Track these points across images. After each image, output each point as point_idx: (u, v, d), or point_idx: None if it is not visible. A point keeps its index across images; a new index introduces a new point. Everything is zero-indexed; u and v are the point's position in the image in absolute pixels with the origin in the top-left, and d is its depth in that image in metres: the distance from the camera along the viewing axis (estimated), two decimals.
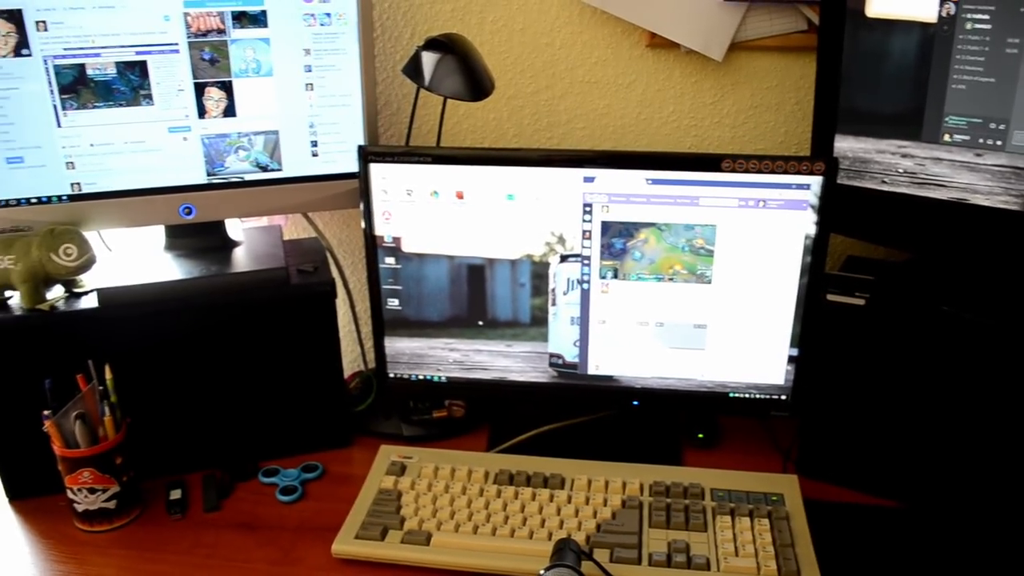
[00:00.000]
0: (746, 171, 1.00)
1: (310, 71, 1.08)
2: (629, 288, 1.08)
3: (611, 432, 1.20)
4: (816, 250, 1.02)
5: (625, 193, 1.04)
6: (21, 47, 1.00)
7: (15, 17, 0.99)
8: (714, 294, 1.06)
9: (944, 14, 0.94)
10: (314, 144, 1.12)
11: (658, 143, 1.26)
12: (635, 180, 1.03)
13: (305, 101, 1.10)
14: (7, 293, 1.08)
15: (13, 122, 1.03)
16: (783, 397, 1.10)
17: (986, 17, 0.91)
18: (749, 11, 1.17)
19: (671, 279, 1.06)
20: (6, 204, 1.06)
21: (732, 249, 1.03)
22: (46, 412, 1.00)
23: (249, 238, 1.20)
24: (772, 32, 1.18)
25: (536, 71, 1.23)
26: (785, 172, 0.99)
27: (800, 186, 1.00)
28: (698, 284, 1.06)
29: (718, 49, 1.19)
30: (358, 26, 1.07)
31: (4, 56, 1.00)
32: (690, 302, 1.07)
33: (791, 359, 1.08)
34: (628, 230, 1.05)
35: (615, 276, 1.08)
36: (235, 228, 1.21)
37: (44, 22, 1.00)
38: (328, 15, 1.06)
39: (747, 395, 1.11)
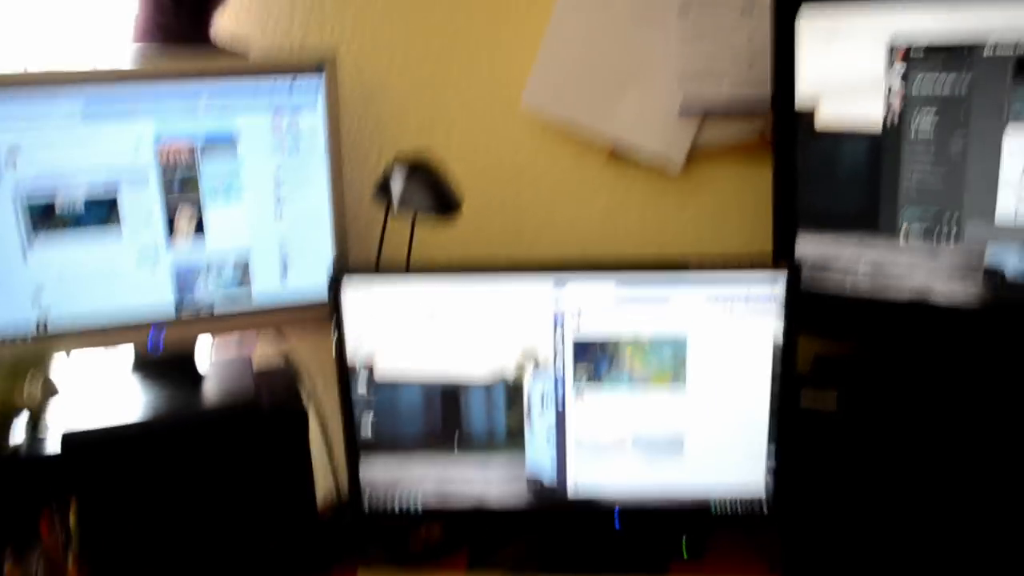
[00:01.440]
0: (712, 268, 1.03)
1: (279, 196, 1.11)
2: (604, 401, 1.09)
3: (595, 546, 1.20)
4: (785, 352, 1.05)
5: (596, 302, 1.06)
6: None
7: None
8: (689, 403, 1.08)
9: (889, 124, 1.00)
10: (284, 265, 1.14)
11: (624, 251, 1.30)
12: (604, 287, 1.05)
13: (274, 225, 1.12)
14: None
15: None
16: (764, 506, 1.11)
17: (929, 122, 0.98)
18: (705, 121, 1.23)
19: (645, 389, 1.08)
20: None
21: (704, 356, 1.06)
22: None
23: (219, 363, 1.20)
24: (729, 140, 1.24)
25: (502, 184, 1.27)
26: (751, 268, 1.03)
27: (765, 286, 1.03)
28: (673, 394, 1.08)
29: (676, 160, 1.24)
30: (327, 148, 1.11)
31: None
32: (666, 412, 1.09)
33: (769, 467, 1.09)
34: (601, 344, 1.07)
35: (589, 390, 1.09)
36: (204, 348, 1.21)
37: (15, 157, 1.01)
38: (297, 141, 1.09)
39: (729, 509, 1.12)
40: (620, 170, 1.26)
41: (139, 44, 1.10)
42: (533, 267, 1.06)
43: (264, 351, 1.31)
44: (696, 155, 1.24)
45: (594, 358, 1.08)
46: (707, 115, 1.23)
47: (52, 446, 1.05)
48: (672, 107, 1.22)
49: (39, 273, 1.06)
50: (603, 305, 1.06)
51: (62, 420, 1.05)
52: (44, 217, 1.04)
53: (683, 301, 1.05)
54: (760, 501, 1.11)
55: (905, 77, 0.98)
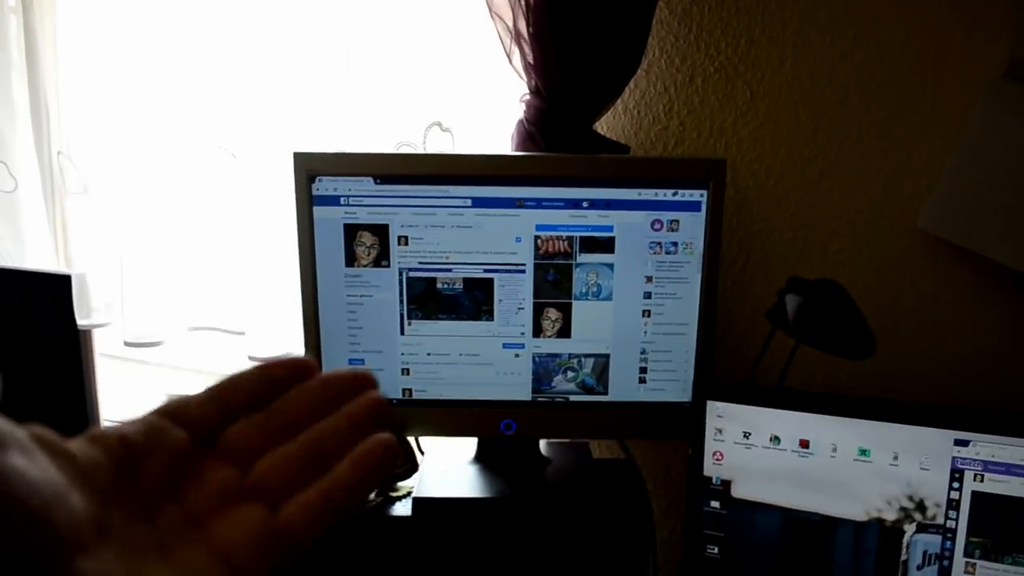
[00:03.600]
0: None
1: (649, 298, 1.09)
2: (1002, 573, 0.94)
3: None
4: None
5: (1004, 463, 0.93)
6: (381, 259, 1.09)
7: (380, 231, 1.08)
8: None
9: None
10: (642, 371, 1.12)
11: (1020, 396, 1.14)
12: (1018, 449, 0.92)
13: (640, 327, 1.10)
14: None
15: (362, 326, 1.11)
16: None
17: None
18: None
19: None
20: None
21: None
22: None
23: (558, 455, 1.19)
24: None
25: (880, 308, 1.16)
26: None
27: None
28: None
29: None
30: (703, 256, 1.08)
31: (365, 266, 1.09)
32: None
33: None
34: (1008, 506, 0.93)
35: (985, 556, 0.95)
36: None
37: (406, 237, 1.08)
38: (675, 244, 1.07)
39: None
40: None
41: (522, 149, 1.15)
42: (931, 418, 0.95)
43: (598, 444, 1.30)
44: None
45: (997, 520, 0.94)
46: None
47: (403, 511, 1.09)
48: None
49: (412, 347, 1.12)
50: (1014, 465, 0.92)
51: (415, 489, 1.08)
52: (424, 295, 1.10)
53: None
54: None
55: None
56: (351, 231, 1.09)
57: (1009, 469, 0.93)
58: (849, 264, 1.18)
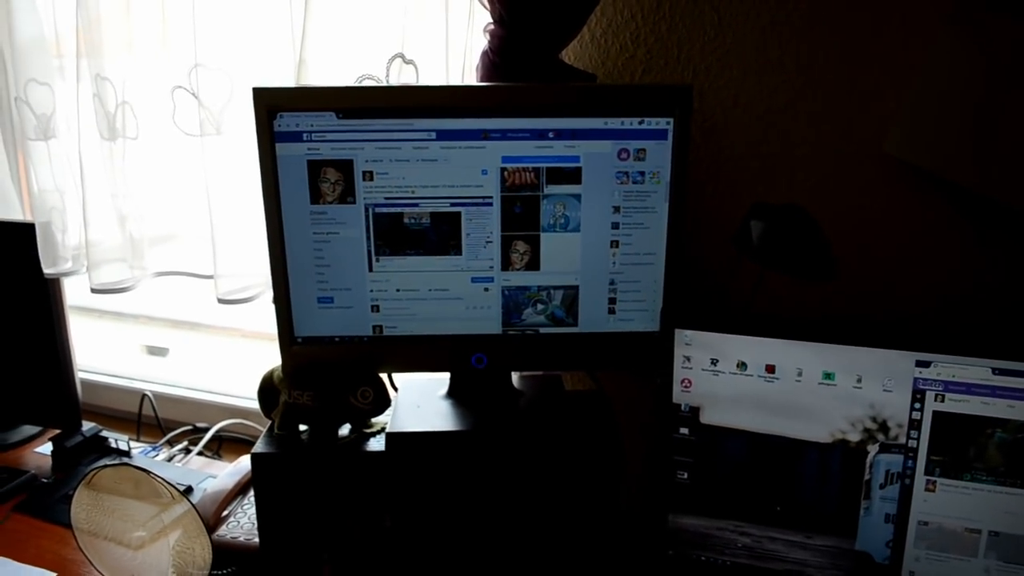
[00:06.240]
0: None
1: (616, 228, 1.10)
2: (961, 489, 0.98)
3: None
4: None
5: (965, 382, 0.95)
6: (347, 195, 1.08)
7: (345, 167, 1.08)
8: None
9: None
10: (612, 301, 1.13)
11: (990, 319, 1.15)
12: (978, 369, 0.94)
13: (608, 258, 1.11)
14: (301, 427, 1.14)
15: (329, 264, 1.11)
16: None
17: None
18: None
19: (1015, 484, 0.95)
20: (309, 341, 1.14)
21: None
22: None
23: (530, 388, 1.21)
24: None
25: (845, 236, 1.17)
26: None
27: None
28: None
29: None
30: (670, 184, 1.08)
31: (331, 203, 1.09)
32: None
33: None
34: (967, 426, 0.95)
35: (945, 474, 0.98)
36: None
37: (371, 172, 1.08)
38: (641, 173, 1.08)
39: None
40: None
41: (486, 80, 1.14)
42: (893, 341, 0.97)
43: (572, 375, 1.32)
44: None
45: (956, 439, 0.96)
46: None
47: (376, 447, 1.11)
48: None
49: (381, 283, 1.12)
50: (974, 385, 0.95)
51: (388, 424, 1.10)
52: (391, 230, 1.10)
53: None
54: None
55: None
56: (315, 167, 1.08)
57: (969, 388, 0.95)
58: (816, 191, 1.18)
